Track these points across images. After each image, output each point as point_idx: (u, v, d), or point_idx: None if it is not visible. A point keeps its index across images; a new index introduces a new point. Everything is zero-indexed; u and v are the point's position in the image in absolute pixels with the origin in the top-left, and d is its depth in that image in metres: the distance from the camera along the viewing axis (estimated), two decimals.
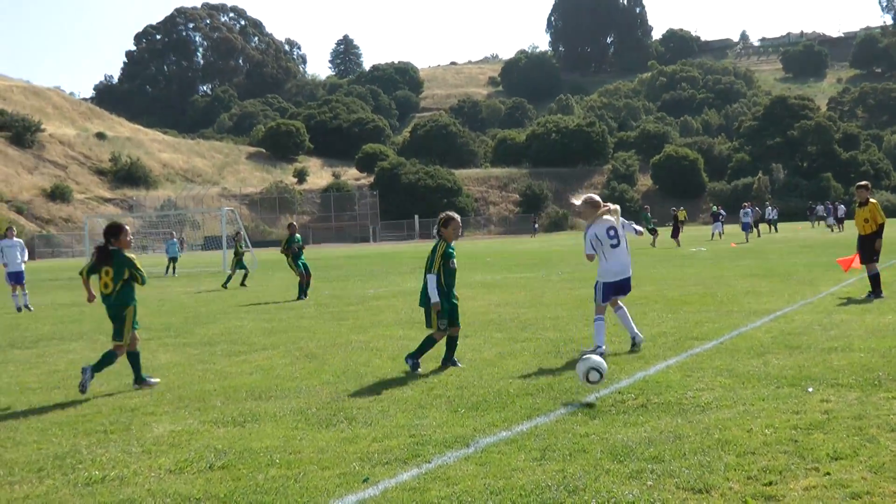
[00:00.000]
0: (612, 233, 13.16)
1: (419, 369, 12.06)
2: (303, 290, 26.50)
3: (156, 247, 75.01)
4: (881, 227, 19.62)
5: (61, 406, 10.90)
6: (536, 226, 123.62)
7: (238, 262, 34.36)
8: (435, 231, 12.91)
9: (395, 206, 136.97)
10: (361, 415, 9.55)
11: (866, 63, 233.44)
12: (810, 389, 9.72)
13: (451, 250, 12.42)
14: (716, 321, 16.15)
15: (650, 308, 17.91)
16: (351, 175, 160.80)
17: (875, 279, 19.01)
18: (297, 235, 28.21)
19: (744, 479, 6.72)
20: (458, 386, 10.94)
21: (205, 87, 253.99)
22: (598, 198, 13.49)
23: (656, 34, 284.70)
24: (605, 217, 13.22)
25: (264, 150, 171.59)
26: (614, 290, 13.40)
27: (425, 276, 12.35)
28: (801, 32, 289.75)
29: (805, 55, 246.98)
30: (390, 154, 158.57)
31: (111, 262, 12.03)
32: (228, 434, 9.02)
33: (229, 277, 34.37)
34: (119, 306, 12.01)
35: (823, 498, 6.23)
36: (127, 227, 12.48)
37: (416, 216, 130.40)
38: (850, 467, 6.89)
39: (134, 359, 12.17)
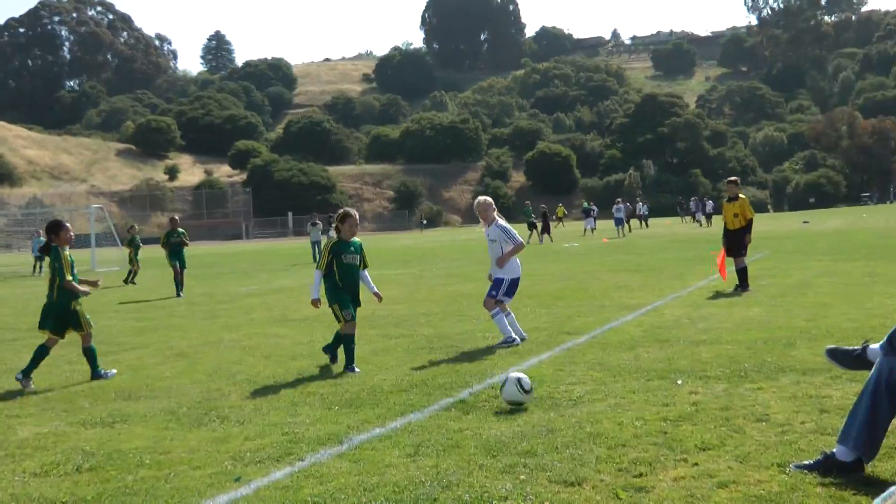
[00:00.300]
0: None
1: (357, 371, 11.61)
2: (179, 287, 26.31)
3: (21, 245, 73.28)
4: (750, 222, 19.97)
5: None
6: (425, 221, 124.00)
7: (135, 257, 33.51)
8: (333, 227, 12.68)
9: (269, 204, 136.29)
10: (233, 414, 9.43)
11: (733, 62, 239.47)
12: (679, 382, 9.87)
13: (344, 246, 12.07)
14: (588, 316, 16.34)
15: (523, 304, 18.03)
16: (223, 172, 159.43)
17: (743, 273, 19.41)
18: (180, 229, 27.75)
19: (615, 472, 6.77)
20: (332, 383, 10.87)
21: (72, 83, 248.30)
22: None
23: (529, 31, 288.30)
24: None
25: (134, 147, 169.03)
26: (517, 286, 13.81)
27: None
28: (671, 31, 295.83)
29: (674, 53, 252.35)
30: (263, 151, 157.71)
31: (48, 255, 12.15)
32: (97, 435, 8.80)
33: (133, 272, 33.38)
34: (63, 304, 12.04)
35: (692, 488, 6.32)
36: (67, 225, 12.48)
37: (290, 213, 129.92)
38: (718, 457, 7.00)
39: (40, 354, 11.98)
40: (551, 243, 51.51)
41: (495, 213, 13.77)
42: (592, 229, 64.40)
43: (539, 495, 6.33)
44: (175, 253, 27.00)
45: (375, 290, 12.48)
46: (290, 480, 6.97)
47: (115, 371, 12.19)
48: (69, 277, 12.06)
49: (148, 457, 7.85)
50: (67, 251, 12.28)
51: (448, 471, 6.98)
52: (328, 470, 7.18)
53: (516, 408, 8.93)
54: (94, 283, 12.69)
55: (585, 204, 74.85)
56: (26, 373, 11.75)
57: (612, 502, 6.14)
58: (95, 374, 12.08)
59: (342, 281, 12.02)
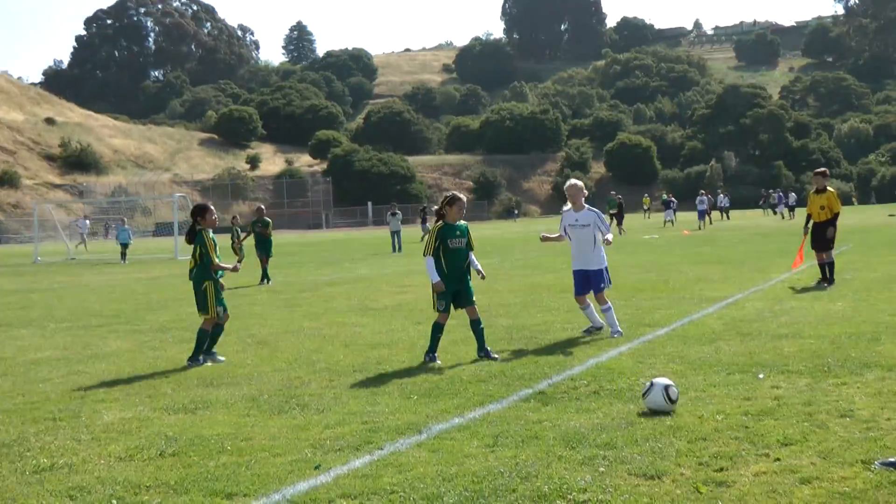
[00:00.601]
0: None
1: (437, 362, 11.56)
2: (264, 275, 26.68)
3: (107, 233, 74.37)
4: (836, 215, 19.52)
5: (9, 394, 10.74)
6: (517, 212, 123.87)
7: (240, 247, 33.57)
8: (435, 211, 12.52)
9: (349, 193, 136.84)
10: (313, 402, 9.51)
11: (818, 52, 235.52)
12: (761, 376, 9.78)
13: (451, 230, 11.93)
14: (668, 308, 16.23)
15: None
16: (304, 161, 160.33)
17: (830, 267, 19.04)
18: (266, 219, 27.94)
19: (695, 465, 6.74)
20: (411, 373, 10.92)
21: (156, 73, 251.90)
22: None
23: (610, 22, 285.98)
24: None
25: (217, 137, 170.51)
26: None
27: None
28: (754, 21, 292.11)
29: (757, 44, 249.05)
30: (344, 141, 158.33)
31: (193, 241, 12.67)
32: (179, 421, 8.94)
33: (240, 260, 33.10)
34: (197, 282, 12.63)
35: (774, 483, 6.26)
36: (212, 207, 13.06)
37: (370, 203, 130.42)
38: (800, 453, 6.93)
39: (217, 330, 12.72)
40: (625, 234, 51.09)
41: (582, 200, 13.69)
42: (672, 221, 63.96)
43: (618, 488, 6.32)
44: (260, 242, 27.26)
45: (479, 267, 12.30)
46: (369, 469, 7.02)
47: (210, 363, 12.27)
48: (217, 261, 12.58)
49: (229, 443, 7.95)
50: (212, 234, 12.71)
51: (527, 462, 6.99)
52: (407, 459, 7.22)
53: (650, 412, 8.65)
54: (234, 269, 13.22)
55: (665, 196, 74.28)
56: (207, 352, 12.61)
57: (693, 496, 6.11)
58: (192, 359, 12.32)
59: (447, 266, 11.86)
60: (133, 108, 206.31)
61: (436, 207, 12.32)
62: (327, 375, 10.98)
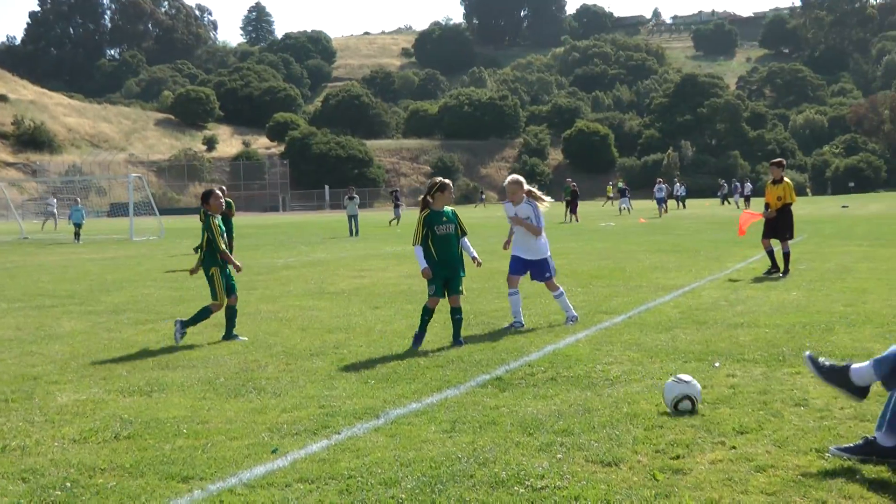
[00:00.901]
0: None
1: (418, 346, 11.50)
2: None
3: (59, 213, 73.52)
4: (787, 206, 19.58)
5: None
6: (483, 196, 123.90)
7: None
8: (420, 199, 12.32)
9: (306, 176, 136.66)
10: (270, 385, 9.46)
11: (775, 43, 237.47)
12: (717, 364, 9.83)
13: (437, 217, 11.80)
14: (625, 296, 16.30)
15: (560, 282, 17.95)
16: (261, 144, 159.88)
17: (785, 257, 19.16)
18: (227, 199, 27.77)
19: (652, 453, 6.76)
20: (369, 357, 10.89)
21: (112, 52, 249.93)
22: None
23: (570, 9, 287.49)
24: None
25: (173, 117, 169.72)
26: None
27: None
28: (713, 11, 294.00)
29: (715, 34, 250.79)
30: (301, 123, 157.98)
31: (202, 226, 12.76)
32: (135, 403, 8.85)
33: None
34: (205, 269, 12.70)
35: (729, 471, 6.29)
36: (217, 191, 12.99)
37: (327, 186, 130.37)
38: (755, 441, 6.98)
39: (230, 313, 12.76)
40: (577, 223, 51.18)
41: (524, 192, 13.55)
42: (628, 209, 64.28)
43: (576, 475, 6.32)
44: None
45: (474, 254, 12.36)
46: (326, 453, 6.98)
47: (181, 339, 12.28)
48: (223, 247, 12.64)
49: (185, 426, 7.89)
50: (218, 220, 12.72)
51: (484, 447, 6.99)
52: (364, 444, 7.20)
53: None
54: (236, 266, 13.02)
55: (620, 184, 74.71)
56: (228, 335, 12.71)
57: (650, 483, 6.12)
58: (181, 324, 12.39)
59: (438, 254, 11.75)
60: (88, 87, 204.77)
61: (421, 197, 12.21)
62: (284, 359, 10.93)
